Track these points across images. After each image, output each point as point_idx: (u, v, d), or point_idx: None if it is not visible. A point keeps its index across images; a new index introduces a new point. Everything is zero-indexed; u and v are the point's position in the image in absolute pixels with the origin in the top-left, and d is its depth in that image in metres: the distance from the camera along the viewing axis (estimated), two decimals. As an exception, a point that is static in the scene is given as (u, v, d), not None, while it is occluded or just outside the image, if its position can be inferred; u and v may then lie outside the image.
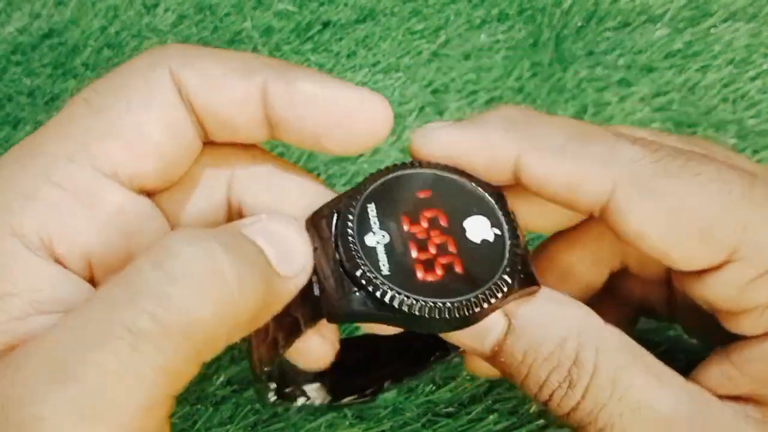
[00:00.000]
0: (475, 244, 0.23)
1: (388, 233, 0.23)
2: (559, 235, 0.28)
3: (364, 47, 0.46)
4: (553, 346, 0.23)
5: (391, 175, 0.24)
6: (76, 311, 0.19)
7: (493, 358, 0.24)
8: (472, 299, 0.22)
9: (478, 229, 0.24)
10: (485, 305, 0.22)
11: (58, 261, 0.22)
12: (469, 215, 0.24)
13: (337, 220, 0.23)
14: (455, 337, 0.24)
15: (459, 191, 0.24)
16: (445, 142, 0.24)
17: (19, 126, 0.43)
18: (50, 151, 0.22)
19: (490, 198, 0.24)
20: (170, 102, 0.23)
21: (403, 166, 0.24)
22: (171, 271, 0.19)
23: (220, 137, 0.24)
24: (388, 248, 0.23)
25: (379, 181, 0.24)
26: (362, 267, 0.22)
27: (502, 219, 0.24)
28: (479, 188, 0.24)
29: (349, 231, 0.23)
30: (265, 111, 0.23)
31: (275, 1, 0.49)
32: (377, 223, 0.23)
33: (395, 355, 0.31)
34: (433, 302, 0.22)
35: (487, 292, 0.22)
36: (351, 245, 0.22)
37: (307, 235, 0.23)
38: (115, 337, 0.18)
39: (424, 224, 0.23)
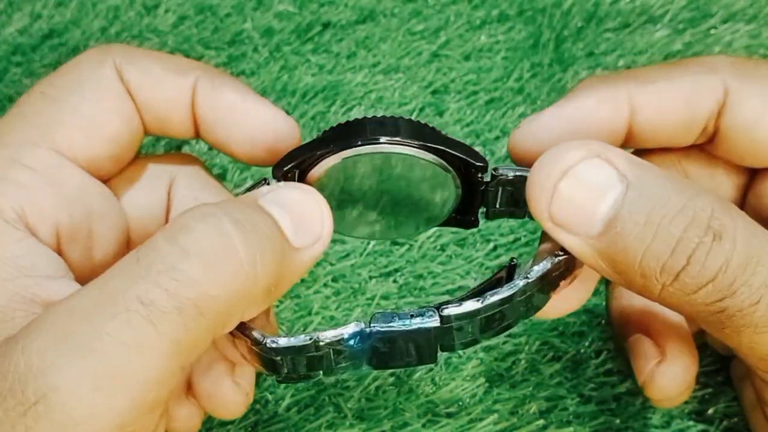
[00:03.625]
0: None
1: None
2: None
3: (364, 48, 0.46)
4: (685, 199, 0.20)
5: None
6: (91, 283, 0.20)
7: (602, 234, 0.20)
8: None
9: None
10: None
11: (31, 231, 0.23)
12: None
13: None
14: (559, 215, 0.21)
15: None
16: (545, 129, 0.25)
17: (19, 126, 0.43)
18: (16, 139, 0.24)
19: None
20: (118, 93, 0.25)
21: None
22: (184, 247, 0.19)
23: (155, 130, 0.26)
24: None
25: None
26: None
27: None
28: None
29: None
30: (192, 110, 0.25)
31: (275, 2, 0.49)
32: None
33: None
34: None
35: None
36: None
37: (326, 203, 0.23)
38: (128, 309, 0.19)
39: None
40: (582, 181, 0.21)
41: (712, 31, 0.46)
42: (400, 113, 0.43)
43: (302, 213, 0.22)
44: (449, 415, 0.33)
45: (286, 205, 0.22)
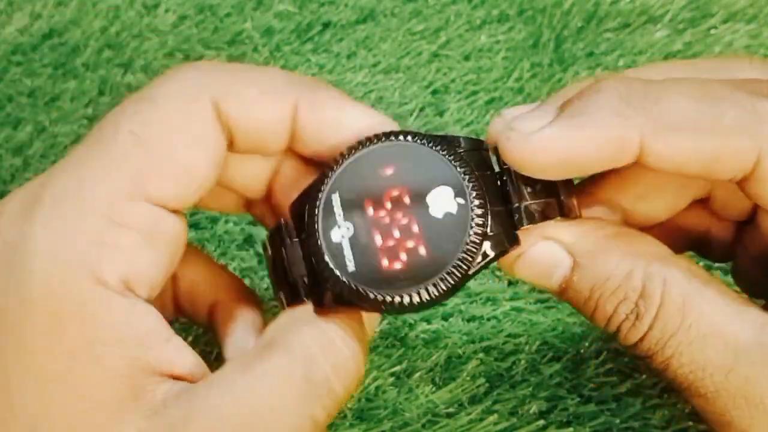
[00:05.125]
0: (438, 219, 0.23)
1: (353, 224, 0.23)
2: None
3: (364, 48, 0.46)
4: (619, 280, 0.23)
5: (354, 156, 0.24)
6: (258, 384, 0.22)
7: (561, 294, 0.24)
8: (437, 280, 0.23)
9: (442, 202, 0.23)
10: (448, 283, 0.23)
11: (135, 294, 0.23)
12: (433, 187, 0.23)
13: (306, 216, 0.24)
14: (522, 274, 0.25)
15: (425, 160, 0.24)
16: (551, 145, 0.22)
17: (19, 126, 0.43)
18: (109, 190, 0.23)
19: (455, 164, 0.23)
20: (213, 135, 0.24)
21: (368, 140, 0.24)
22: (336, 369, 0.23)
23: (245, 150, 0.25)
24: (353, 241, 0.23)
25: (344, 166, 0.24)
26: (328, 267, 0.23)
27: (467, 184, 0.23)
28: (446, 154, 0.23)
29: (316, 228, 0.24)
30: (292, 128, 0.25)
31: (275, 2, 0.49)
32: (341, 214, 0.24)
33: None
34: (399, 295, 0.23)
35: (446, 272, 0.23)
36: (317, 245, 0.23)
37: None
38: (305, 427, 0.22)
39: (388, 205, 0.23)
40: (534, 263, 0.24)
41: (712, 31, 0.46)
42: (400, 113, 0.43)
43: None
44: (449, 415, 0.33)
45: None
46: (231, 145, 0.25)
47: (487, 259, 0.23)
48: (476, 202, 0.23)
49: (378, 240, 0.23)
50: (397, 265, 0.23)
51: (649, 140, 0.21)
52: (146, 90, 0.25)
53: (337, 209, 0.24)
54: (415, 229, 0.23)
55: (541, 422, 0.32)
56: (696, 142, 0.21)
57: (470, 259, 0.23)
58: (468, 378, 0.33)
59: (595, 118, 0.21)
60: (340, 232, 0.23)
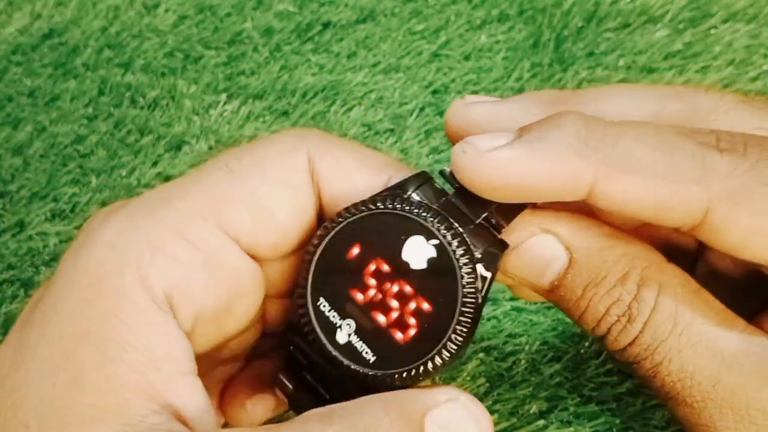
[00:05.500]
0: (424, 269, 0.23)
1: (352, 317, 0.23)
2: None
3: (364, 48, 0.46)
4: (615, 280, 0.23)
5: (318, 253, 0.24)
6: None
7: (550, 292, 0.24)
8: (455, 327, 0.22)
9: (418, 252, 0.23)
10: (467, 324, 0.22)
11: (172, 313, 0.23)
12: (403, 244, 0.23)
13: (305, 337, 0.24)
14: (513, 272, 0.24)
15: (382, 224, 0.23)
16: (505, 167, 0.22)
17: (19, 126, 0.43)
18: (185, 207, 0.23)
19: (410, 211, 0.23)
20: (302, 184, 0.24)
21: (321, 233, 0.24)
22: None
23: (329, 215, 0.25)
24: (359, 332, 0.23)
25: (313, 266, 0.24)
26: (351, 369, 0.23)
27: (432, 223, 0.23)
28: (398, 207, 0.23)
29: (323, 343, 0.23)
30: None
31: (275, 2, 0.49)
32: (336, 315, 0.23)
33: None
34: (429, 360, 0.22)
35: (460, 315, 0.22)
36: (332, 357, 0.23)
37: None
38: None
39: (372, 282, 0.23)
40: (529, 255, 0.24)
41: (712, 31, 0.46)
42: (401, 113, 0.43)
43: None
44: (449, 415, 0.33)
45: (449, 429, 0.21)
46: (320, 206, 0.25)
47: (487, 280, 0.23)
48: (448, 235, 0.22)
49: (382, 319, 0.23)
50: (412, 332, 0.22)
51: (601, 182, 0.22)
52: (251, 142, 0.25)
53: (331, 314, 0.23)
54: (408, 290, 0.23)
55: (541, 422, 0.32)
56: (648, 187, 0.21)
57: (473, 290, 0.22)
58: (468, 378, 0.33)
59: (552, 149, 0.22)
60: (345, 332, 0.23)
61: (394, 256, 0.23)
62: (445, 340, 0.22)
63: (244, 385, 0.28)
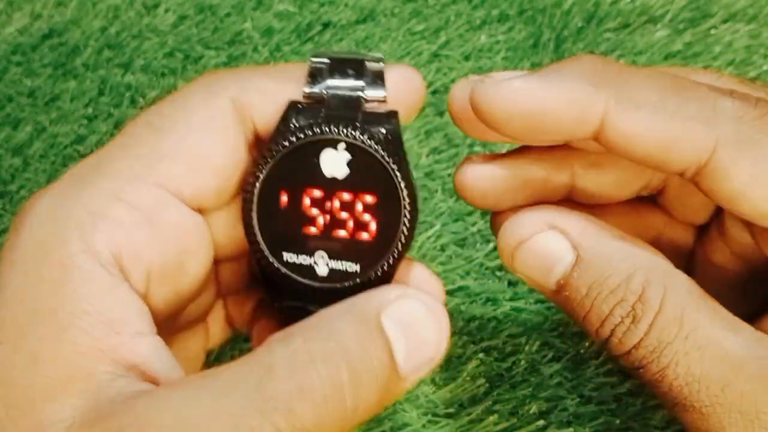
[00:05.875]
0: (350, 173, 0.24)
1: (319, 249, 0.24)
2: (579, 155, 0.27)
3: (364, 48, 0.46)
4: (620, 280, 0.23)
5: (257, 224, 0.24)
6: (200, 388, 0.20)
7: (556, 292, 0.24)
8: (403, 193, 0.24)
9: (335, 163, 0.24)
10: (410, 185, 0.24)
11: (123, 275, 0.22)
12: (319, 164, 0.24)
13: (293, 294, 0.24)
14: (520, 269, 0.24)
15: (291, 161, 0.24)
16: (521, 95, 0.22)
17: (19, 126, 0.43)
18: (118, 170, 0.23)
19: (308, 133, 0.24)
20: (229, 125, 0.24)
21: (247, 201, 0.24)
22: (303, 388, 0.19)
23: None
24: (333, 255, 0.24)
25: (261, 235, 0.24)
26: (352, 288, 0.24)
27: (332, 134, 0.24)
28: (294, 140, 0.24)
29: (312, 287, 0.24)
30: None
31: (275, 2, 0.49)
32: (306, 257, 0.24)
33: None
34: (398, 239, 0.24)
35: (402, 181, 0.24)
36: (326, 290, 0.24)
37: (448, 320, 0.22)
38: None
39: (316, 212, 0.24)
40: (536, 252, 0.24)
41: (712, 31, 0.46)
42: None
43: (421, 336, 0.21)
44: (449, 415, 0.33)
45: (408, 327, 0.21)
46: (257, 139, 0.25)
47: (399, 139, 0.24)
48: (349, 133, 0.23)
49: (343, 233, 0.24)
50: (373, 226, 0.24)
51: (610, 114, 0.22)
52: (169, 94, 0.25)
53: (300, 259, 0.24)
54: (348, 196, 0.24)
55: (541, 422, 0.32)
56: (655, 123, 0.22)
57: (397, 157, 0.23)
58: (468, 378, 0.33)
59: (565, 80, 0.22)
60: (323, 264, 0.24)
61: (318, 179, 0.24)
62: (402, 207, 0.24)
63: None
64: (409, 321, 0.21)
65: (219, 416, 0.19)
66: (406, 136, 0.42)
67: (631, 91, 0.22)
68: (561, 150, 0.26)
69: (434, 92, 0.44)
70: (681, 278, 0.23)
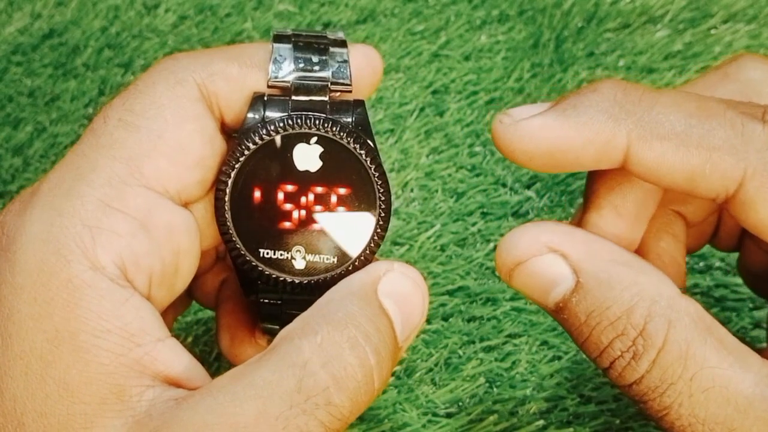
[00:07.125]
0: (323, 165, 0.24)
1: (296, 244, 0.24)
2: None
3: (364, 48, 0.46)
4: (620, 311, 0.22)
5: (231, 220, 0.24)
6: (244, 393, 0.20)
7: (555, 312, 0.23)
8: (375, 180, 0.24)
9: (307, 156, 0.24)
10: (381, 169, 0.24)
11: (132, 287, 0.22)
12: (292, 158, 0.24)
13: (272, 289, 0.24)
14: (518, 287, 0.24)
15: (263, 156, 0.24)
16: (539, 133, 0.22)
17: (19, 126, 0.43)
18: (103, 176, 0.22)
19: (279, 129, 0.24)
20: (202, 113, 0.24)
21: (220, 196, 0.24)
22: (339, 380, 0.20)
23: (236, 126, 0.25)
24: (310, 249, 0.24)
25: (236, 232, 0.24)
26: (327, 280, 0.24)
27: (303, 128, 0.24)
28: (266, 136, 0.24)
29: (289, 282, 0.24)
30: None
31: (276, 2, 0.49)
32: (282, 252, 0.24)
33: None
34: (375, 227, 0.24)
35: (373, 168, 0.24)
36: (304, 285, 0.24)
37: (426, 288, 0.23)
38: None
39: (290, 206, 0.24)
40: (534, 275, 0.23)
41: (712, 31, 0.46)
42: (400, 113, 0.43)
43: (410, 307, 0.22)
44: (449, 415, 0.33)
45: (399, 300, 0.22)
46: (223, 125, 0.25)
47: (368, 128, 0.24)
48: (320, 126, 0.23)
49: (318, 226, 0.24)
50: (341, 208, 0.24)
51: (635, 146, 0.21)
52: (132, 83, 0.24)
53: (277, 254, 0.24)
54: (321, 189, 0.24)
55: (541, 422, 0.32)
56: (681, 154, 0.21)
57: (365, 141, 0.23)
58: (468, 378, 0.33)
59: (586, 114, 0.22)
60: (300, 258, 0.24)
61: (291, 173, 0.24)
62: (377, 196, 0.24)
63: (242, 327, 0.28)
64: (399, 294, 0.22)
65: (267, 419, 0.20)
66: (406, 136, 0.42)
67: (654, 121, 0.21)
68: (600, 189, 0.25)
69: (434, 92, 0.44)
70: (688, 309, 0.22)
